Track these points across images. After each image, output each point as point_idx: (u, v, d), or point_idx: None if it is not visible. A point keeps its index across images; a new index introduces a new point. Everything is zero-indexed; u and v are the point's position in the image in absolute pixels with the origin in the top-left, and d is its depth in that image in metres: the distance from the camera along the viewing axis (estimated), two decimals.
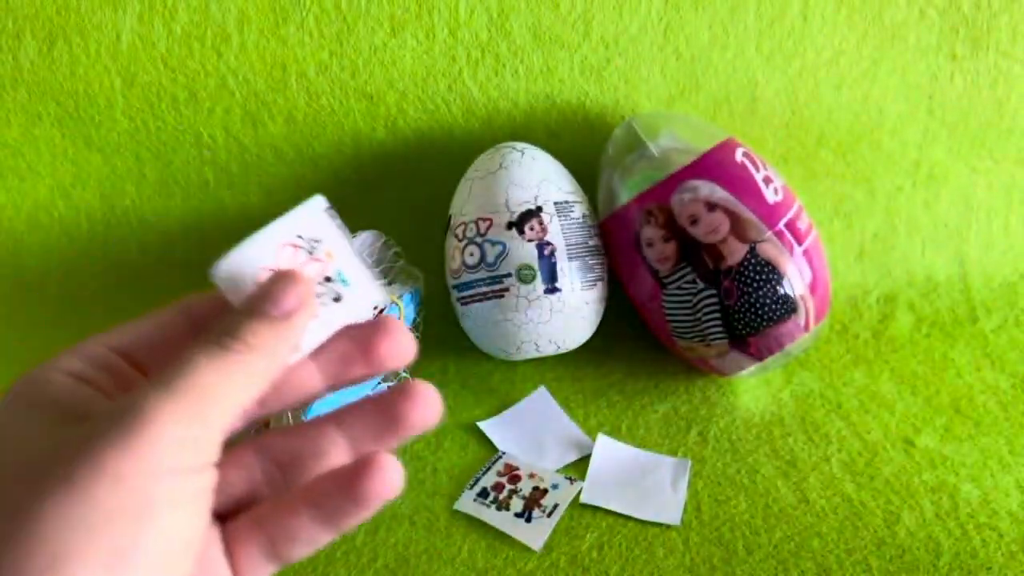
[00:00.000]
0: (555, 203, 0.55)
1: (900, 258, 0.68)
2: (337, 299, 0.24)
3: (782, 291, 0.51)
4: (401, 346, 0.24)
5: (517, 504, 0.46)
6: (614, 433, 0.53)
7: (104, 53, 0.64)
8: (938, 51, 0.64)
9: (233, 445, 0.23)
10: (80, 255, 0.70)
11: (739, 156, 0.54)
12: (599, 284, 0.57)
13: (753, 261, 0.51)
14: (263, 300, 0.22)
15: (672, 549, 0.44)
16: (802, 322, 0.53)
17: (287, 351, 0.22)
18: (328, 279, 0.24)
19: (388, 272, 0.60)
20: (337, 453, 0.24)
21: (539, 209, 0.54)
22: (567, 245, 0.54)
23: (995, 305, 0.66)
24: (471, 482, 0.48)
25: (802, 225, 0.53)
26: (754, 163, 0.54)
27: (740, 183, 0.52)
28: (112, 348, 0.23)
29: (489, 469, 0.49)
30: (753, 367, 0.54)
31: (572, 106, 0.65)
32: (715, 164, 0.53)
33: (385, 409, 0.23)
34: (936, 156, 0.67)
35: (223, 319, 0.22)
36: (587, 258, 0.55)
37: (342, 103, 0.65)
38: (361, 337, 0.24)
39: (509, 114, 0.65)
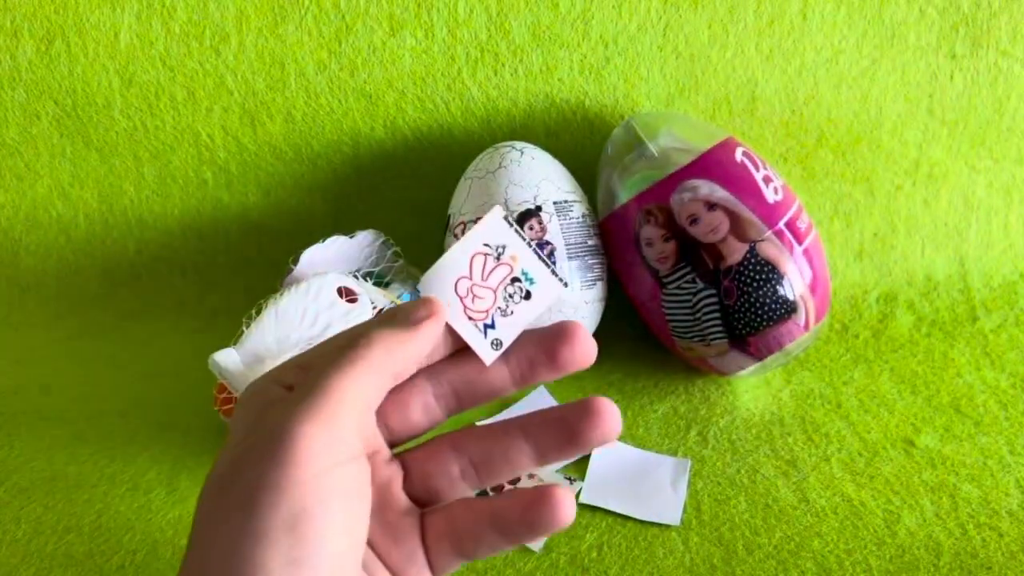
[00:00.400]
0: (554, 202, 0.55)
1: (900, 257, 0.68)
2: (527, 296, 0.27)
3: (782, 291, 0.51)
4: (584, 350, 0.26)
5: None
6: None
7: (102, 52, 0.64)
8: (938, 50, 0.64)
9: (431, 440, 0.27)
10: (78, 254, 0.70)
11: (739, 155, 0.54)
12: (598, 284, 0.56)
13: (753, 261, 0.51)
14: (396, 311, 0.25)
15: (672, 549, 0.43)
16: (802, 322, 0.52)
17: (413, 354, 0.24)
18: (516, 279, 0.27)
19: (387, 272, 0.60)
20: (523, 460, 0.26)
21: (538, 208, 0.54)
22: (566, 245, 0.54)
23: (995, 304, 0.66)
24: None
25: (802, 224, 0.53)
26: (754, 162, 0.54)
27: (740, 182, 0.52)
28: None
29: None
30: (753, 367, 0.54)
31: (571, 105, 0.65)
32: (715, 163, 0.53)
33: (568, 425, 0.25)
34: (936, 155, 0.67)
35: (360, 325, 0.25)
36: (586, 258, 0.55)
37: (341, 102, 0.65)
38: (547, 342, 0.26)
39: (508, 113, 0.65)
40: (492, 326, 0.26)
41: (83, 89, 0.65)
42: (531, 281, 0.27)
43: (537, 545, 0.44)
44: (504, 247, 0.27)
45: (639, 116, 0.59)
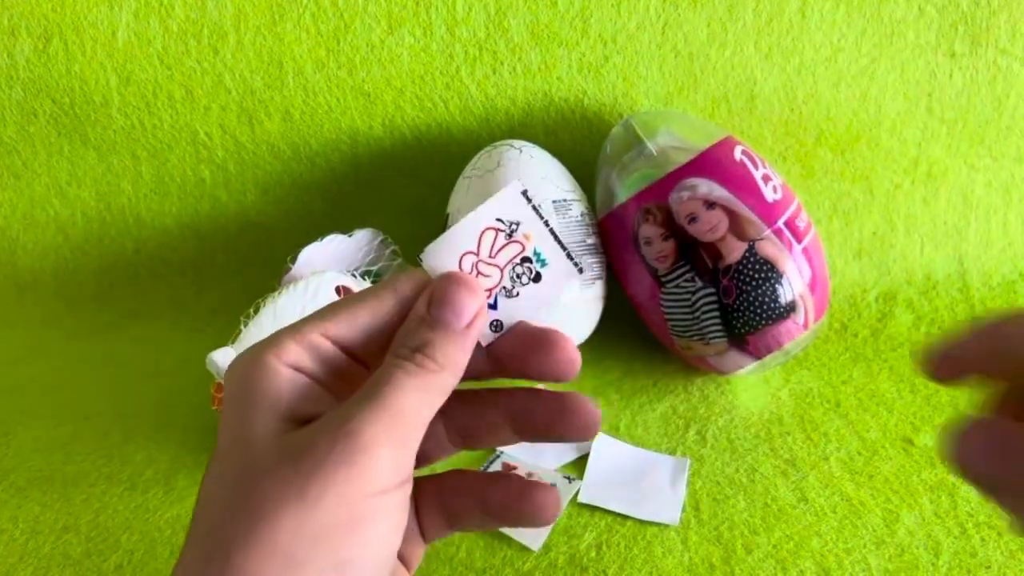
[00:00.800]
0: (553, 201, 0.55)
1: (899, 256, 0.68)
2: (536, 278, 0.25)
3: (781, 290, 0.51)
4: (568, 363, 0.25)
5: None
6: (612, 432, 0.53)
7: (100, 50, 0.64)
8: (937, 48, 0.64)
9: None
10: (76, 253, 0.70)
11: (738, 154, 0.54)
12: (597, 283, 0.56)
13: (752, 259, 0.51)
14: (447, 310, 0.23)
15: (671, 548, 0.43)
16: (801, 320, 0.52)
17: (465, 363, 0.23)
18: (527, 259, 0.25)
19: (386, 270, 0.60)
20: (506, 436, 0.26)
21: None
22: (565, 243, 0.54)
23: (994, 304, 0.66)
24: None
25: (801, 223, 0.53)
26: (753, 161, 0.54)
27: (739, 181, 0.52)
28: (332, 340, 0.23)
29: (487, 468, 0.49)
30: (752, 366, 0.54)
31: (570, 104, 0.64)
32: (713, 162, 0.53)
33: (546, 415, 0.25)
34: (935, 154, 0.67)
35: (416, 331, 0.23)
36: (585, 257, 0.55)
37: (339, 101, 0.64)
38: (532, 344, 0.25)
39: (507, 112, 0.64)
40: (494, 306, 0.25)
41: (81, 87, 0.65)
42: (543, 263, 0.25)
43: (536, 544, 0.44)
44: (518, 224, 0.25)
45: (638, 115, 0.59)
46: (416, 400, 0.22)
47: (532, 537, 0.44)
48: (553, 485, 0.26)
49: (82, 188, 0.68)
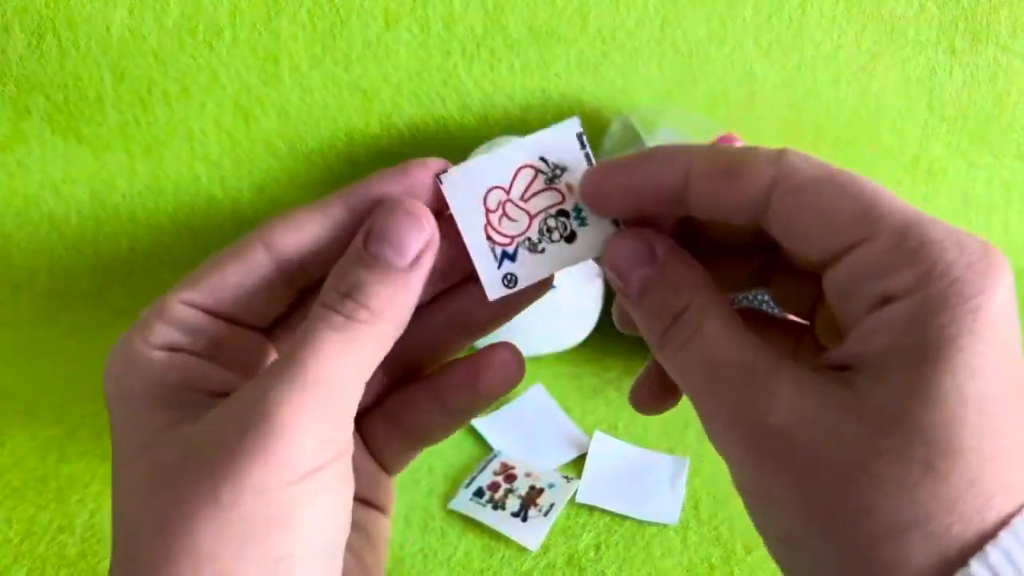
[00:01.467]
0: None
1: None
2: (570, 238, 0.21)
3: None
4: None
5: (513, 503, 0.46)
6: (611, 431, 0.52)
7: (94, 47, 0.63)
8: (937, 45, 0.64)
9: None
10: (70, 251, 0.69)
11: None
12: (597, 281, 0.56)
13: None
14: (385, 245, 0.20)
15: (670, 548, 0.43)
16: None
17: (410, 309, 0.20)
18: (563, 213, 0.21)
19: None
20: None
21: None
22: None
23: None
24: (467, 481, 0.48)
25: None
26: None
27: None
28: (198, 307, 0.21)
29: (485, 468, 0.49)
30: None
31: (568, 101, 0.64)
32: None
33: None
34: (935, 151, 0.66)
35: (348, 272, 0.20)
36: None
37: (335, 97, 0.64)
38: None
39: (505, 109, 0.64)
40: (512, 257, 0.21)
41: (75, 84, 0.64)
42: (582, 221, 0.21)
43: (534, 545, 0.43)
44: (564, 170, 0.21)
45: (637, 112, 0.59)
46: (345, 363, 0.19)
47: (531, 537, 0.44)
48: (507, 348, 0.23)
49: (76, 185, 0.68)
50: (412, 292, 0.20)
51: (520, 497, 0.46)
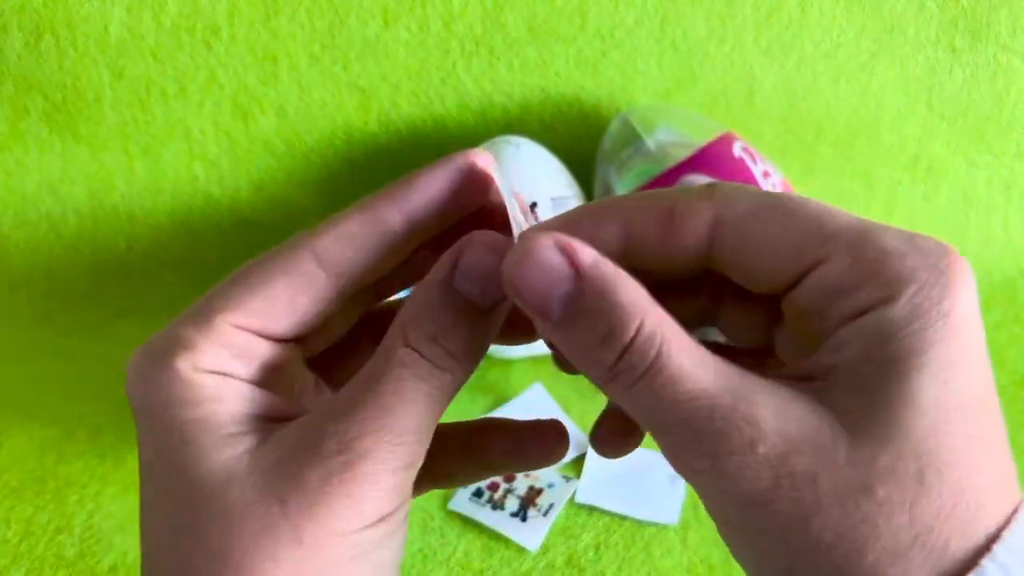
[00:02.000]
0: (551, 198, 0.54)
1: None
2: None
3: None
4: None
5: (512, 503, 0.46)
6: None
7: (92, 46, 0.63)
8: (937, 44, 0.63)
9: None
10: (68, 251, 0.69)
11: (737, 150, 0.53)
12: None
13: None
14: (474, 283, 0.19)
15: (670, 549, 0.43)
16: None
17: (487, 349, 0.20)
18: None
19: None
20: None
21: (534, 205, 0.54)
22: None
23: (994, 301, 0.65)
24: None
25: None
26: (752, 157, 0.53)
27: (738, 177, 0.52)
28: (249, 329, 0.19)
29: None
30: None
31: (567, 99, 0.64)
32: (713, 158, 0.52)
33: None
34: (935, 150, 0.66)
35: (435, 310, 0.18)
36: None
37: (334, 96, 0.64)
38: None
39: (503, 108, 0.64)
40: None
41: (72, 83, 0.64)
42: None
43: (533, 545, 0.43)
44: (536, 204, 0.22)
45: (636, 110, 0.58)
46: (430, 413, 0.18)
47: (530, 538, 0.44)
48: (556, 427, 0.23)
49: (74, 185, 0.68)
50: (492, 334, 0.20)
51: (519, 497, 0.46)
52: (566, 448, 0.23)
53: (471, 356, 0.19)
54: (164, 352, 0.19)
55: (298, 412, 0.20)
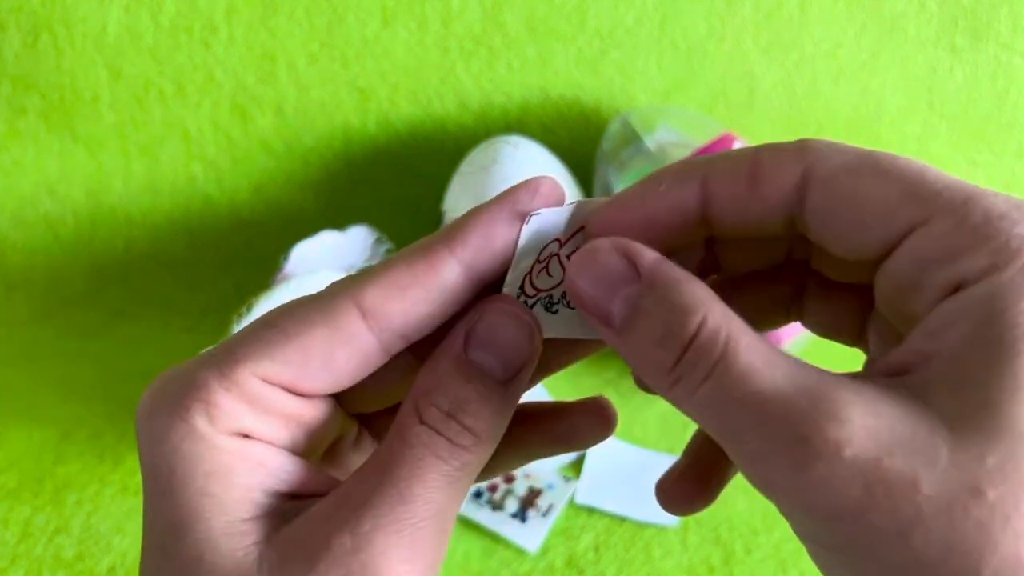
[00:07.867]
0: None
1: None
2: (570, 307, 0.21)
3: None
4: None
5: (512, 504, 0.46)
6: None
7: (90, 46, 0.63)
8: (937, 43, 0.63)
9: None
10: (66, 252, 0.69)
11: None
12: None
13: None
14: (489, 354, 0.17)
15: (669, 550, 0.43)
16: None
17: (508, 422, 0.18)
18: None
19: None
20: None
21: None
22: None
23: None
24: None
25: None
26: None
27: None
28: (277, 384, 0.17)
29: None
30: None
31: (567, 99, 0.64)
32: None
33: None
34: (936, 149, 0.66)
35: (440, 381, 0.17)
36: None
37: (333, 96, 0.64)
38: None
39: (503, 107, 0.64)
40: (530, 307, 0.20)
41: (70, 83, 0.64)
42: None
43: (533, 546, 0.43)
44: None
45: (636, 110, 0.58)
46: (452, 495, 0.17)
47: (529, 539, 0.44)
48: (604, 401, 0.22)
49: (72, 186, 0.67)
50: (513, 407, 0.18)
51: (519, 498, 0.46)
52: (615, 423, 0.21)
53: (494, 432, 0.18)
54: (179, 402, 0.17)
55: (326, 481, 0.18)
